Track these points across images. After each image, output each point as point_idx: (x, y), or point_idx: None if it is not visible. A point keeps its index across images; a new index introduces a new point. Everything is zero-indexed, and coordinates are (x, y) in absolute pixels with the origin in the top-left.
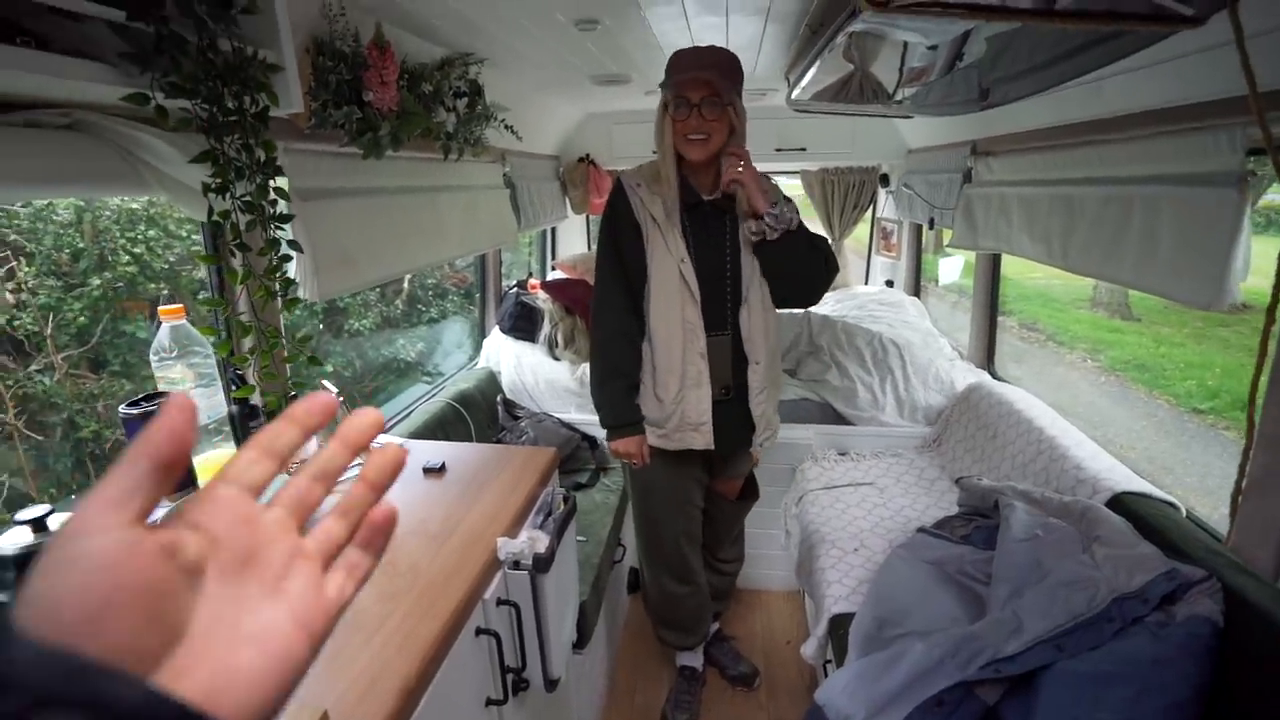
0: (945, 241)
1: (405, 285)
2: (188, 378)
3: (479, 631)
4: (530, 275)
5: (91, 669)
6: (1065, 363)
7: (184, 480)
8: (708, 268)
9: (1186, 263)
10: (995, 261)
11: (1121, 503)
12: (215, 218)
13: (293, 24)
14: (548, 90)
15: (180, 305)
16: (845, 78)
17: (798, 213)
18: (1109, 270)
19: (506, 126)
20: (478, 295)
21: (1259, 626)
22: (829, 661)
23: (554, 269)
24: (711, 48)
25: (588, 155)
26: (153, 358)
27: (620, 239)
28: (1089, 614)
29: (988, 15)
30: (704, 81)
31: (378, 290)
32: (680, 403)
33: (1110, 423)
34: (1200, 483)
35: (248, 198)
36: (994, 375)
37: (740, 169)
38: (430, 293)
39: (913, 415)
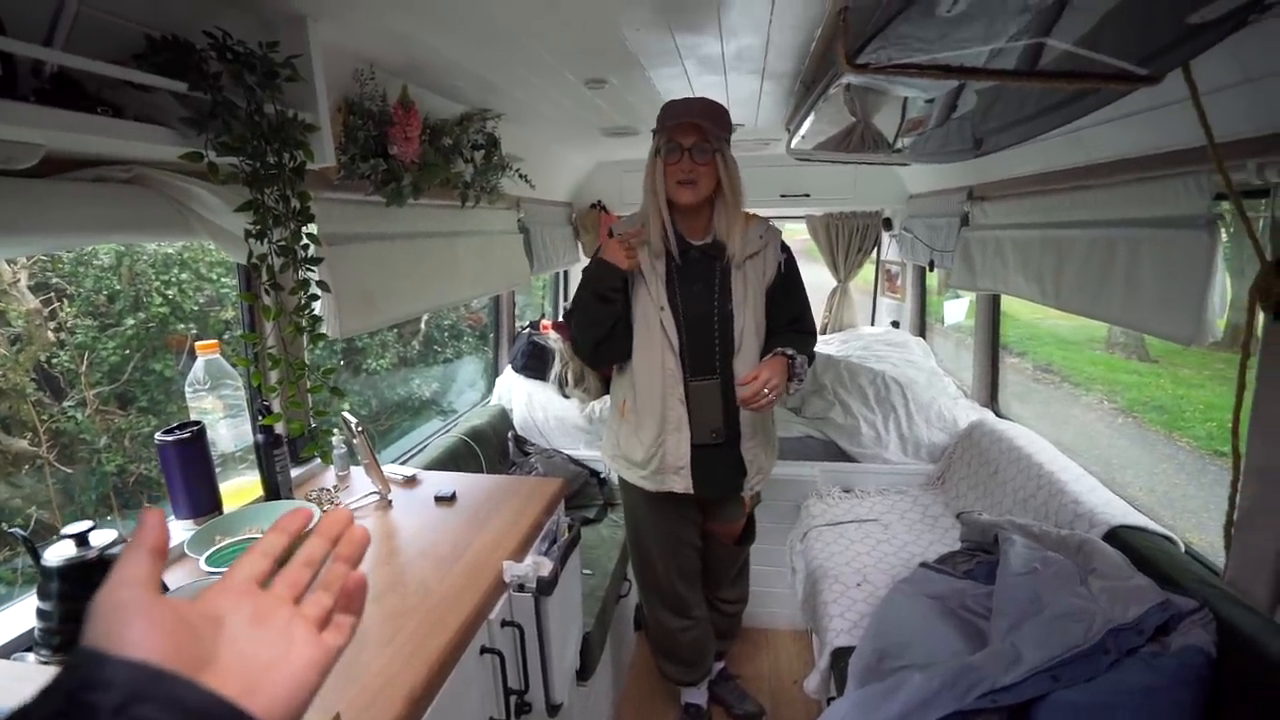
0: (954, 285)
1: (422, 326)
2: (218, 409)
3: (484, 650)
4: (543, 316)
5: (165, 674)
6: (1081, 404)
7: (213, 504)
8: (694, 314)
9: (1167, 301)
10: (995, 301)
11: (1118, 536)
12: (253, 260)
13: (327, 86)
14: (560, 141)
15: (215, 340)
16: (848, 128)
17: (807, 355)
18: (1099, 309)
19: (521, 175)
20: (491, 335)
21: (1250, 656)
22: (833, 697)
23: (566, 310)
24: (702, 98)
25: (599, 201)
26: (187, 389)
27: None
28: (1085, 645)
29: (960, 75)
30: (694, 126)
31: (395, 331)
32: (660, 445)
33: (1132, 465)
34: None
35: (283, 242)
36: (997, 413)
37: (764, 395)
38: (446, 333)
39: (916, 452)
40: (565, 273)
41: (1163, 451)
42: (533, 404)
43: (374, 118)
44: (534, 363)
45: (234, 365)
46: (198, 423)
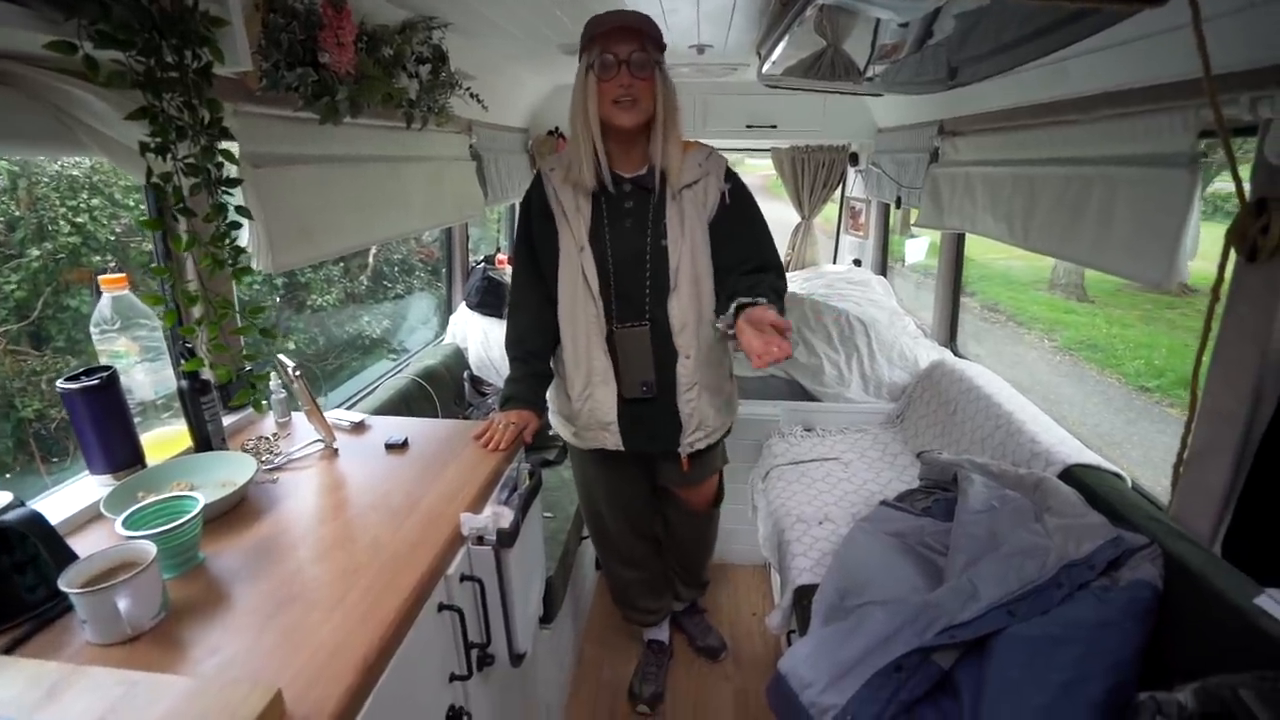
0: (912, 221)
1: (370, 260)
2: (132, 351)
3: (442, 607)
4: (499, 250)
5: None
6: (1024, 342)
7: (134, 457)
8: (622, 253)
9: (1140, 242)
10: (959, 241)
11: (1072, 474)
12: (155, 180)
13: None
14: (516, 60)
15: (123, 275)
16: (817, 53)
17: (779, 300)
18: (1067, 249)
19: (473, 95)
20: (444, 270)
21: (1194, 589)
22: (793, 631)
23: None
24: (633, 11)
25: (557, 128)
26: (94, 330)
27: (532, 226)
28: (1039, 580)
29: None
30: (632, 33)
31: (341, 265)
32: (588, 400)
33: (1065, 400)
34: (1145, 455)
35: (191, 160)
36: (956, 353)
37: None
38: (396, 268)
39: (878, 392)
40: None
41: (1095, 387)
42: (489, 342)
43: (299, 18)
44: (490, 299)
45: (147, 302)
46: (108, 368)
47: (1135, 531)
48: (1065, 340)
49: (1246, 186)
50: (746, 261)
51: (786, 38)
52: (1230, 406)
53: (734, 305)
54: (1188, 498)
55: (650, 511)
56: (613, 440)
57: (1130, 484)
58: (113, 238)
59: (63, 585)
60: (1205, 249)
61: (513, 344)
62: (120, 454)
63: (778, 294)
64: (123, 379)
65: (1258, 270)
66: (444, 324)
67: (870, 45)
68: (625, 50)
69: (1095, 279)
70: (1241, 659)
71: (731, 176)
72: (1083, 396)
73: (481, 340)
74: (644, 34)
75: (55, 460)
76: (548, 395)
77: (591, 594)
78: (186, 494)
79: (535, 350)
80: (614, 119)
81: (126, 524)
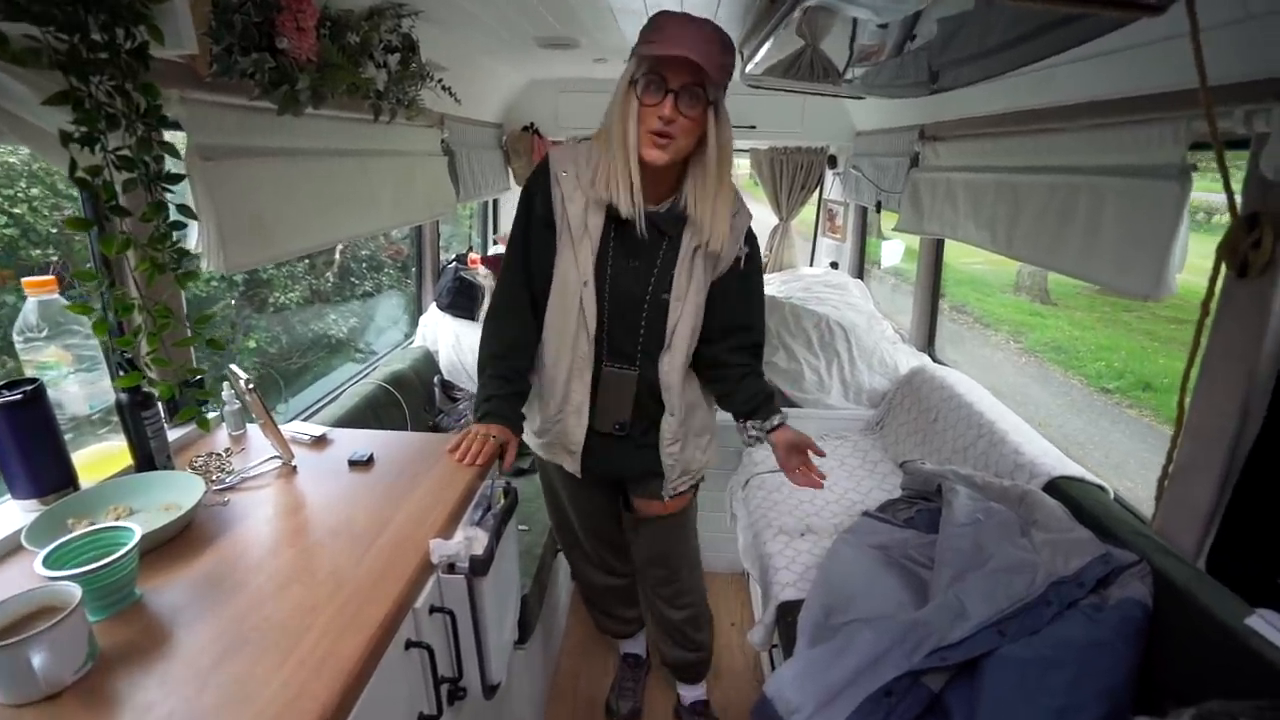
0: (892, 226)
1: (337, 256)
2: (64, 361)
3: (409, 644)
4: (470, 249)
5: None
6: (990, 344)
7: (63, 480)
8: (623, 294)
9: (1128, 254)
10: (938, 246)
11: (1056, 487)
12: (81, 174)
13: None
14: (490, 52)
15: (51, 277)
16: (796, 53)
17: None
18: (1053, 259)
19: (444, 88)
20: (414, 270)
21: (1184, 608)
22: (775, 646)
23: (496, 243)
24: (708, 23)
25: (532, 124)
26: (16, 339)
27: (530, 232)
28: (1028, 598)
29: None
30: (691, 66)
31: (306, 261)
32: (559, 423)
33: (1031, 401)
34: (1105, 457)
35: (125, 152)
36: (934, 358)
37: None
38: (364, 265)
39: (858, 398)
40: (495, 201)
41: (1059, 388)
42: (461, 346)
43: None
44: (461, 300)
45: (72, 311)
46: (33, 381)
47: (1122, 546)
48: (1030, 342)
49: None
50: (738, 334)
51: (771, 39)
52: (1217, 422)
53: (774, 421)
54: (1172, 512)
55: (617, 522)
56: (571, 464)
57: (1113, 495)
58: (54, 230)
59: None
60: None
61: (495, 358)
62: (47, 477)
63: (768, 394)
64: (52, 392)
65: (1247, 286)
66: (413, 325)
67: (849, 46)
68: (678, 80)
69: (1058, 281)
70: (1233, 680)
71: (751, 239)
72: (1048, 397)
73: (453, 343)
74: (707, 68)
75: None
76: None
77: (567, 606)
78: (120, 525)
79: (520, 369)
80: (643, 152)
81: (48, 562)
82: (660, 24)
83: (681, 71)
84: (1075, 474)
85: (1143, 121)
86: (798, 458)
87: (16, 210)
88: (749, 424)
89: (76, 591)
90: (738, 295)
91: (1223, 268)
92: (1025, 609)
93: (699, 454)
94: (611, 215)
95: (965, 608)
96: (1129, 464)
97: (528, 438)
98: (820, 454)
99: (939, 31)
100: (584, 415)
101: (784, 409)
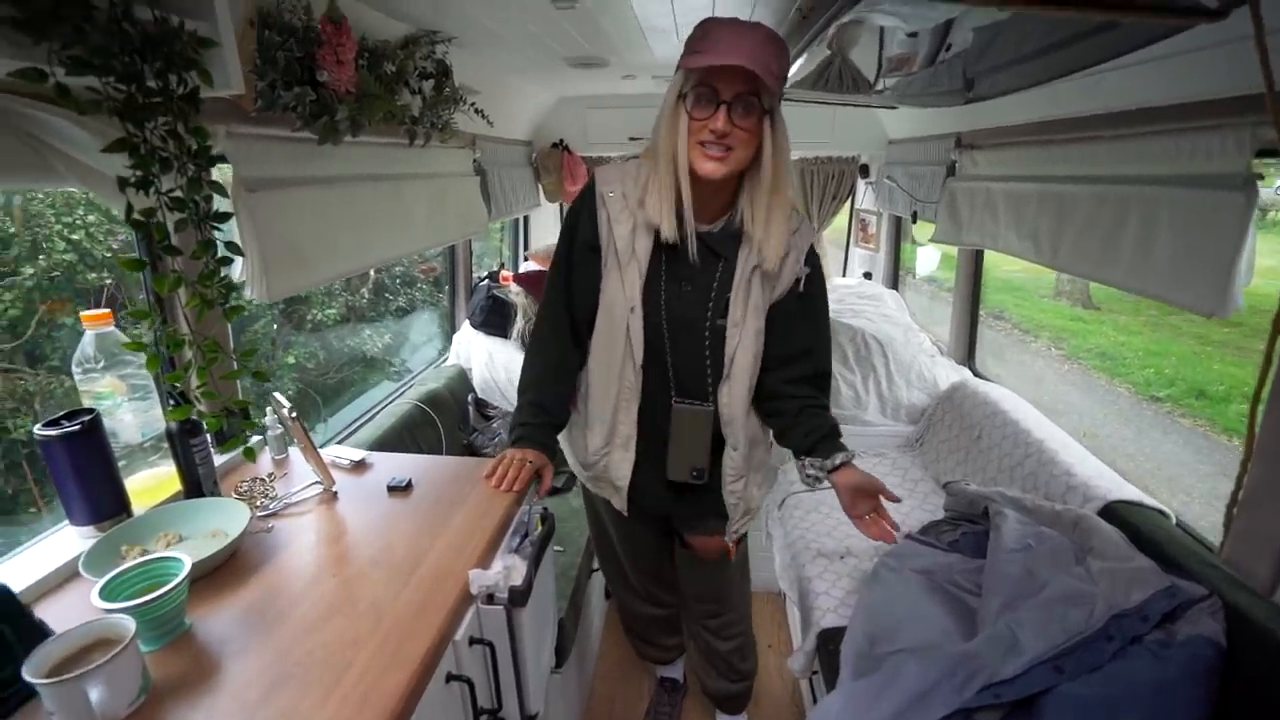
0: (929, 236)
1: (372, 274)
2: (118, 390)
3: (450, 678)
4: (502, 266)
5: None
6: (1031, 351)
7: (118, 506)
8: (679, 322)
9: (1187, 267)
10: (978, 257)
11: (1113, 511)
12: (137, 216)
13: None
14: (520, 72)
15: (107, 310)
16: (823, 64)
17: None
18: (1104, 272)
19: (477, 110)
20: (447, 288)
21: (1261, 647)
22: (815, 673)
23: (527, 259)
24: (760, 26)
25: (562, 140)
26: (75, 370)
27: (574, 256)
28: (1087, 632)
29: (1003, 2)
30: (745, 75)
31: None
32: (605, 457)
33: (1075, 410)
34: (1157, 469)
35: (177, 193)
36: (975, 372)
37: (888, 536)
38: (398, 280)
39: (895, 414)
40: (526, 218)
41: (1104, 397)
42: (494, 363)
43: (296, 35)
44: (494, 318)
45: (128, 349)
46: (91, 411)
47: (1187, 577)
48: (1073, 348)
49: None
50: (798, 363)
51: (805, 54)
52: None
53: (836, 460)
54: (1244, 541)
55: (668, 557)
56: (619, 502)
57: (1175, 521)
58: (109, 254)
59: (27, 674)
60: (1258, 264)
61: (529, 386)
62: (103, 504)
63: (834, 428)
64: (107, 422)
65: None
66: (447, 343)
67: (878, 56)
68: (731, 89)
69: (1101, 285)
70: None
71: (813, 259)
72: (1093, 405)
73: (486, 361)
74: (762, 75)
75: (47, 482)
76: (564, 432)
77: (601, 627)
78: (171, 555)
79: (559, 395)
80: (697, 166)
81: (104, 593)
82: (708, 31)
83: (735, 80)
84: (1133, 498)
85: (1202, 129)
86: (866, 503)
87: (75, 236)
88: (808, 461)
89: (131, 624)
90: (797, 318)
91: None
92: (1084, 644)
93: (756, 490)
94: (661, 239)
95: (1018, 640)
96: (1184, 477)
97: (576, 469)
98: (893, 499)
99: (975, 39)
100: (631, 450)
101: (849, 449)
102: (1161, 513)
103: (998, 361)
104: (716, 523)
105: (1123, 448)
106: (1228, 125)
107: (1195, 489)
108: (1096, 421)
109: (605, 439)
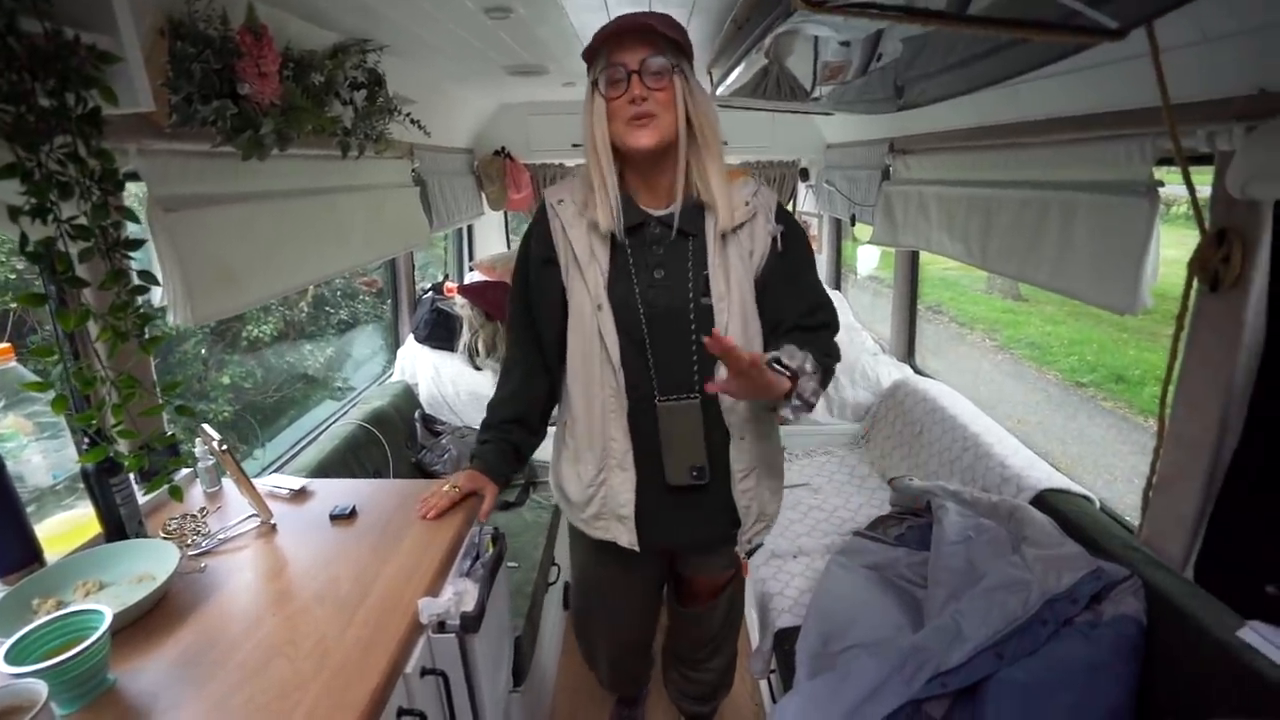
0: (868, 237)
1: (310, 288)
2: (24, 430)
3: (401, 713)
4: (446, 278)
5: None
6: (967, 343)
7: (27, 556)
8: (660, 313)
9: (1102, 268)
10: (914, 257)
11: (1044, 500)
12: (32, 247)
13: (140, 1)
14: (458, 80)
15: (7, 345)
16: (760, 72)
17: (814, 368)
18: (1027, 272)
19: (413, 120)
20: (390, 302)
21: (1178, 622)
22: (773, 672)
23: (472, 270)
24: (645, 11)
25: (504, 148)
26: None
27: (529, 273)
28: (1024, 617)
29: (924, 20)
30: (644, 32)
31: None
32: (602, 486)
33: (1009, 399)
34: (1084, 452)
35: (80, 220)
36: (915, 369)
37: (729, 377)
38: (339, 294)
39: (841, 412)
40: (470, 227)
41: (1035, 384)
42: (440, 378)
43: (213, 46)
44: (440, 331)
45: (28, 389)
46: None
47: (1111, 560)
48: (1005, 339)
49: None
50: (803, 318)
51: (743, 63)
52: (1197, 433)
53: (782, 358)
54: (1158, 523)
55: (654, 618)
56: (627, 536)
57: (1099, 505)
58: (13, 275)
59: None
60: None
61: (490, 406)
62: (9, 556)
63: (825, 368)
64: (11, 465)
65: (1220, 300)
66: (392, 358)
67: (813, 64)
68: (635, 57)
69: None
70: (1230, 695)
71: (784, 216)
72: (1026, 393)
73: (432, 376)
74: (659, 34)
75: None
76: (551, 468)
77: (561, 640)
78: (89, 608)
79: (508, 420)
80: (628, 141)
81: (12, 656)
82: (601, 30)
83: (636, 48)
84: (1061, 485)
85: (1109, 138)
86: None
87: None
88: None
89: (42, 689)
90: (790, 279)
91: (1194, 281)
92: (1021, 629)
93: (768, 495)
94: (626, 229)
95: (962, 629)
96: (1106, 457)
97: (566, 512)
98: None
99: (904, 49)
100: (629, 466)
101: (796, 406)
102: (1086, 498)
103: (937, 356)
104: (726, 547)
105: (1056, 432)
106: (1131, 135)
107: (1116, 468)
108: (1029, 408)
109: (599, 463)
